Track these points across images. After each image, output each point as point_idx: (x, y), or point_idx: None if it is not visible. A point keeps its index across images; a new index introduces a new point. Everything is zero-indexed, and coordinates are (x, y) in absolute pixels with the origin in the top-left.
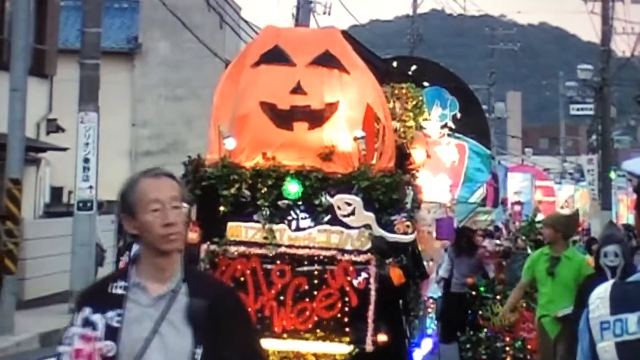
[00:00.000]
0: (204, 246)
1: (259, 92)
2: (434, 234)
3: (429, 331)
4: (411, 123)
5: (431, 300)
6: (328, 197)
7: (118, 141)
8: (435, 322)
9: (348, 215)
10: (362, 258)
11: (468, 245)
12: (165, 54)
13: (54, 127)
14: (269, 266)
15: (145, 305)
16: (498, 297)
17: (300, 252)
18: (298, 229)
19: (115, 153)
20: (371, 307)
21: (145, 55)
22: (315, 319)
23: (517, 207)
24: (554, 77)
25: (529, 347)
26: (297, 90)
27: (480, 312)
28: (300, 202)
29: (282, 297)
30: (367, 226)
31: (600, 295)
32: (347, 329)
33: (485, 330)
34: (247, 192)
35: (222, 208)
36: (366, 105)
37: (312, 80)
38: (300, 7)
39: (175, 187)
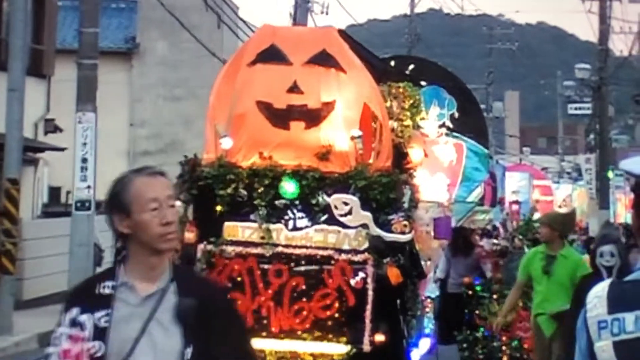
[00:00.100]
0: (201, 246)
1: (256, 91)
2: (432, 234)
3: (427, 331)
4: (408, 122)
5: (429, 300)
6: (325, 197)
7: (116, 141)
8: (433, 321)
9: (345, 215)
10: (359, 258)
11: (465, 245)
12: (163, 54)
13: (51, 127)
14: (265, 266)
15: (134, 305)
16: (495, 296)
17: (297, 251)
18: (295, 228)
19: (114, 153)
20: (368, 307)
21: (143, 55)
22: (313, 319)
23: (515, 207)
24: (552, 77)
25: (525, 346)
26: (294, 89)
27: (477, 312)
28: (297, 202)
29: (279, 297)
30: (364, 226)
31: (598, 295)
32: (344, 329)
33: (482, 329)
34: (243, 192)
35: (218, 208)
36: (363, 105)
37: (309, 79)
38: (297, 7)
39: (170, 186)
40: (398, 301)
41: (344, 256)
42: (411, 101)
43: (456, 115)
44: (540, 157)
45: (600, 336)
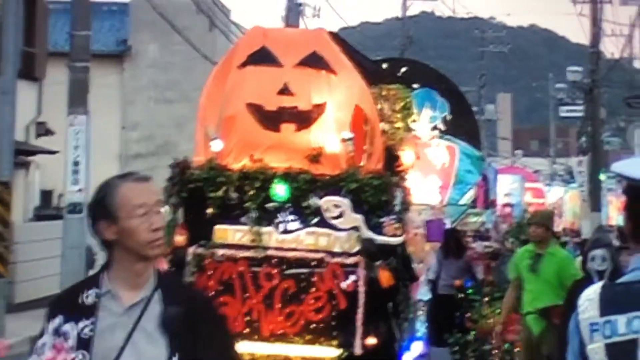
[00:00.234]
0: (191, 249)
1: (246, 94)
2: (424, 236)
3: (419, 334)
4: (400, 124)
5: (421, 303)
6: (316, 199)
7: (108, 144)
8: (425, 324)
9: (336, 218)
10: (350, 260)
11: (457, 247)
12: (155, 57)
13: (43, 130)
14: (256, 269)
15: (118, 314)
16: (486, 299)
17: (289, 254)
18: (286, 231)
19: (106, 156)
20: (360, 310)
21: (135, 57)
22: (304, 322)
23: (507, 209)
24: (544, 79)
25: (517, 349)
26: (285, 91)
27: (468, 314)
28: (288, 205)
29: (270, 301)
30: (356, 228)
31: (590, 297)
32: (335, 332)
33: (473, 332)
34: (234, 195)
35: (209, 210)
36: (354, 107)
37: (300, 81)
38: (289, 10)
39: (157, 192)
40: (390, 304)
41: (335, 259)
42: (402, 103)
43: (449, 117)
44: (533, 160)
45: (593, 339)
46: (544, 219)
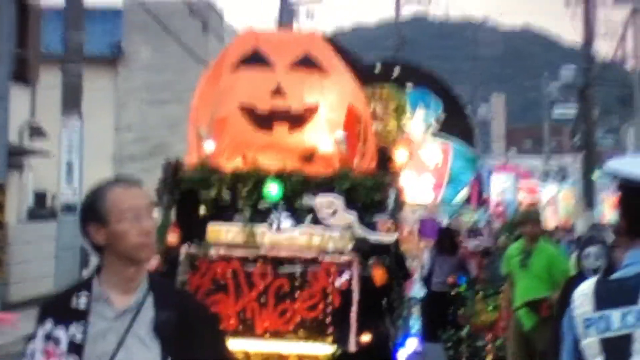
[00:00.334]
0: (184, 249)
1: (239, 95)
2: (418, 234)
3: (413, 330)
4: (393, 124)
5: (415, 300)
6: (309, 199)
7: (102, 146)
8: (419, 321)
9: (329, 216)
10: (344, 259)
11: (450, 245)
12: (148, 59)
13: (36, 132)
14: (250, 268)
15: (110, 319)
16: (478, 295)
17: (282, 253)
18: (279, 230)
19: (100, 157)
20: (354, 307)
21: (128, 60)
22: (298, 320)
23: (500, 208)
24: (538, 79)
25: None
26: (277, 92)
27: (461, 311)
28: (281, 204)
29: (264, 299)
30: (349, 227)
31: (584, 293)
32: (330, 330)
33: (467, 328)
34: (227, 195)
35: (202, 210)
36: (347, 107)
37: (292, 82)
38: (282, 12)
39: (147, 196)
40: (384, 302)
41: (328, 257)
42: (395, 103)
43: (442, 117)
44: (526, 158)
45: (587, 334)
46: (538, 215)
